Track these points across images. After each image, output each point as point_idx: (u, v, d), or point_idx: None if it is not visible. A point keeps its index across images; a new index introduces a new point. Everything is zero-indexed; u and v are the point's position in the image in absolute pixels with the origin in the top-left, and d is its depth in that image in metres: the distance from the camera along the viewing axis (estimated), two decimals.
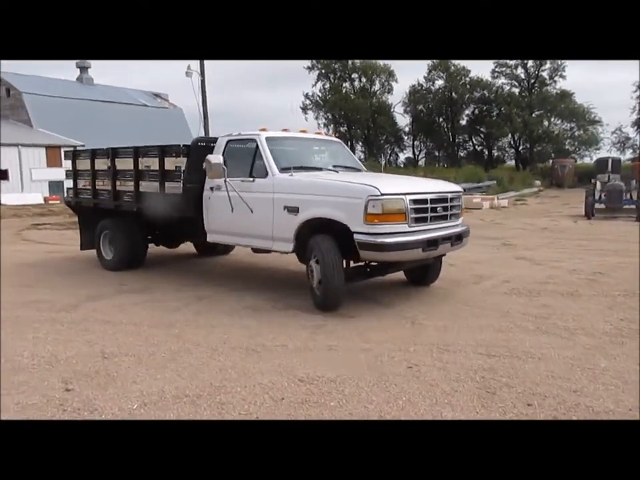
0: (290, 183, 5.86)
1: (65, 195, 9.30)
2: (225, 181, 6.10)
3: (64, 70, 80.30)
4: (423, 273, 6.61)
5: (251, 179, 6.13)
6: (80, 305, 5.91)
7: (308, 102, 54.07)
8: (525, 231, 12.89)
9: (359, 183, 5.45)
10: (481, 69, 66.59)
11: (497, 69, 48.30)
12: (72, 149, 22.56)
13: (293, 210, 5.68)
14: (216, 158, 6.00)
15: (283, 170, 6.02)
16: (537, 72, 47.65)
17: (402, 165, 52.41)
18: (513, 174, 36.64)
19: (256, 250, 6.76)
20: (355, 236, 5.20)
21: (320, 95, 53.58)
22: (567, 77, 46.50)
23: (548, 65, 46.54)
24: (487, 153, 51.62)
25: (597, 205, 16.70)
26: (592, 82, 71.76)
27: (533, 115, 46.85)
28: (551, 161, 42.28)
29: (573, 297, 6.13)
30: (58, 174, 21.82)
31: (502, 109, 47.36)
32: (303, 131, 7.15)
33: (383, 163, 43.27)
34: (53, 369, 4.04)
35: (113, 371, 4.00)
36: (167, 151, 7.13)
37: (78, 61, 34.62)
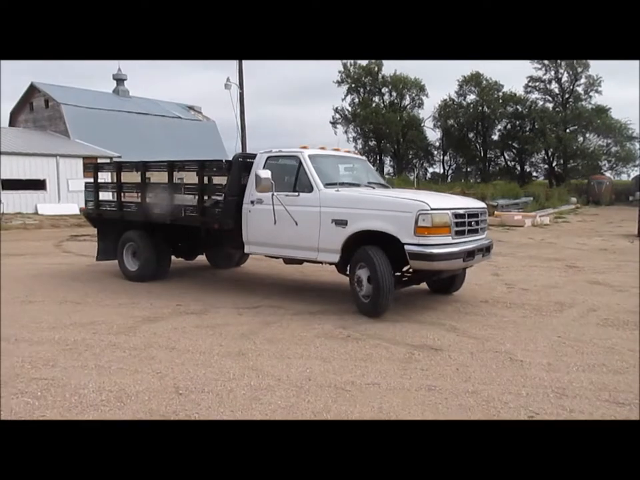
0: (337, 197, 6.20)
1: (85, 206, 9.30)
2: (273, 195, 6.36)
3: (98, 81, 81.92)
4: (449, 282, 7.05)
5: (296, 193, 6.43)
6: (138, 328, 5.50)
7: (337, 116, 53.93)
8: (582, 252, 12.17)
9: (408, 199, 5.85)
10: (513, 83, 65.87)
11: (530, 84, 47.49)
12: (108, 160, 22.63)
13: (341, 223, 6.03)
14: (265, 173, 6.25)
15: (327, 185, 6.35)
16: (571, 87, 46.63)
17: (430, 180, 51.64)
18: (548, 190, 35.68)
19: (289, 261, 6.96)
20: (406, 247, 5.58)
21: (349, 109, 53.42)
22: (603, 92, 45.45)
23: (583, 79, 45.62)
24: (519, 168, 50.59)
25: None
26: (629, 98, 70.37)
27: (567, 130, 45.81)
28: (588, 178, 41.08)
29: None
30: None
31: (535, 124, 46.39)
32: (336, 149, 7.49)
33: (413, 177, 42.68)
34: (125, 407, 3.59)
35: (193, 411, 3.53)
36: (209, 166, 7.32)
37: (115, 72, 34.98)
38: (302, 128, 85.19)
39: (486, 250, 6.47)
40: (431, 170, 56.51)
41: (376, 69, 51.33)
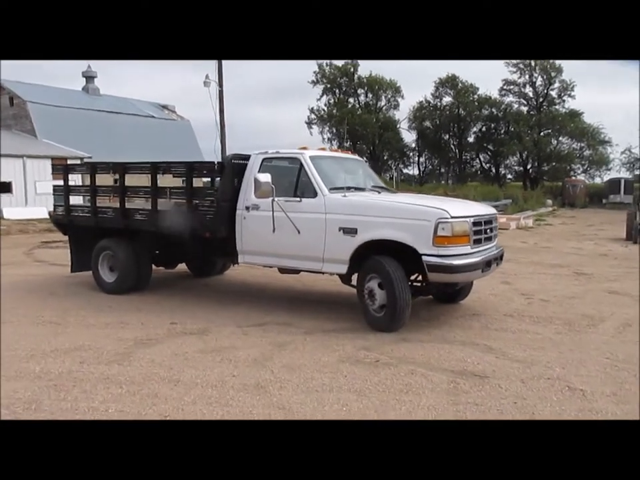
0: (345, 203, 5.70)
1: (53, 211, 8.39)
2: (273, 201, 5.82)
3: (68, 79, 79.35)
4: (457, 291, 6.60)
5: (297, 198, 5.89)
6: (132, 354, 4.76)
7: (313, 116, 53.34)
8: (582, 257, 11.81)
9: (426, 206, 5.44)
10: (488, 86, 66.51)
11: (504, 87, 47.84)
12: (78, 160, 21.50)
13: (350, 231, 5.53)
14: (265, 177, 5.68)
15: (332, 190, 5.85)
16: (545, 91, 47.14)
17: (403, 181, 51.42)
18: (524, 193, 35.85)
19: (284, 271, 6.44)
20: (424, 258, 5.16)
21: (325, 109, 52.90)
22: (576, 97, 46.05)
23: (557, 84, 46.16)
24: (494, 170, 50.90)
25: None
26: (601, 102, 71.89)
27: (541, 133, 46.26)
28: (563, 180, 41.50)
29: None
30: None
31: (510, 127, 46.73)
32: (334, 150, 7.07)
33: (392, 178, 42.42)
34: None
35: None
36: (199, 168, 6.74)
37: (84, 70, 33.55)
38: (277, 128, 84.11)
39: (500, 258, 6.16)
40: (405, 171, 56.42)
41: (352, 69, 50.98)
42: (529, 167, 48.66)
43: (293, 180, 6.06)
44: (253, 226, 6.21)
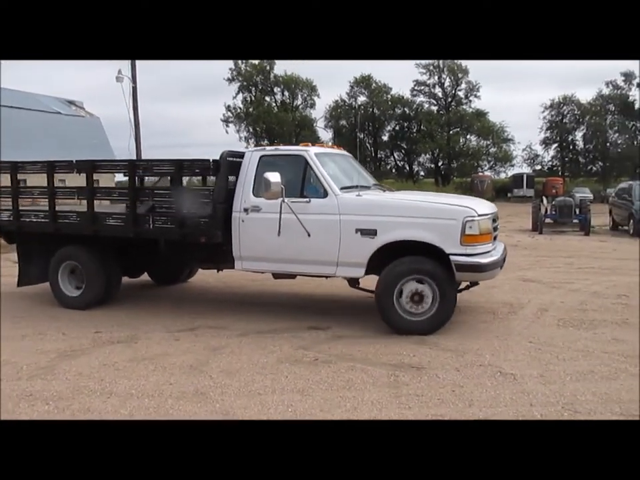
0: (362, 203, 5.45)
1: None
2: (283, 202, 5.41)
3: None
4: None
5: (305, 199, 5.53)
6: (56, 367, 4.44)
7: (229, 114, 52.55)
8: None
9: (451, 204, 5.36)
10: (401, 86, 68.65)
11: (415, 87, 49.77)
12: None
13: (369, 233, 5.29)
14: (274, 176, 5.27)
15: (342, 189, 5.57)
16: (453, 91, 49.52)
17: None
18: (437, 189, 37.44)
19: (278, 276, 6.06)
20: (452, 257, 5.04)
21: (241, 107, 52.30)
22: (482, 97, 48.82)
23: (464, 85, 48.63)
24: (407, 168, 52.71)
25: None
26: (504, 102, 76.51)
27: (451, 132, 48.53)
28: (471, 176, 43.75)
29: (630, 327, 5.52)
30: None
31: (422, 126, 48.62)
32: (329, 147, 6.71)
33: None
34: None
35: None
36: (190, 166, 6.00)
37: None
38: (192, 126, 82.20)
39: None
40: None
41: (267, 67, 50.76)
42: (440, 163, 50.90)
43: (295, 179, 5.69)
44: (253, 229, 5.75)
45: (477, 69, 50.13)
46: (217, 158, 5.78)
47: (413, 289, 5.21)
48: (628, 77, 45.99)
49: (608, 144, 47.37)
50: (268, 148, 6.06)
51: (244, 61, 49.84)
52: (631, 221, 14.98)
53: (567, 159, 50.57)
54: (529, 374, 4.22)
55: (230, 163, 5.83)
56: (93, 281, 6.41)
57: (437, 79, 49.09)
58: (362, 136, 53.01)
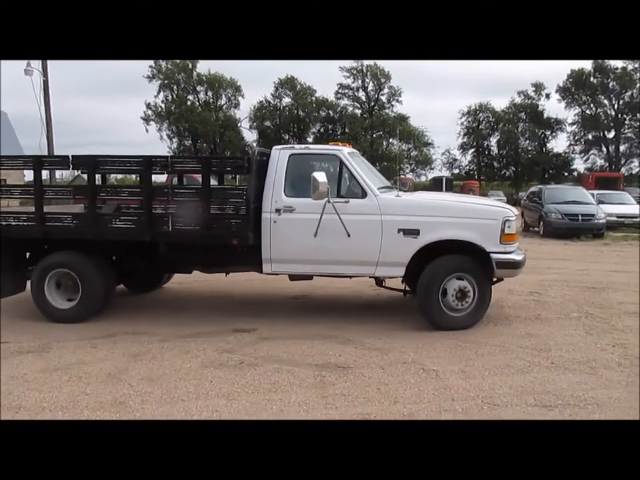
0: (403, 204, 5.60)
1: None
2: (327, 202, 5.34)
3: None
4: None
5: (344, 199, 5.49)
6: None
7: (150, 112, 50.83)
8: None
9: (490, 205, 5.90)
10: (325, 89, 69.33)
11: (340, 90, 50.50)
12: None
13: (412, 232, 5.42)
14: (321, 176, 5.19)
15: (379, 189, 5.68)
16: (376, 95, 50.74)
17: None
18: None
19: (296, 278, 5.97)
20: (493, 256, 5.36)
21: (163, 106, 50.76)
22: (403, 102, 50.33)
23: (386, 89, 49.96)
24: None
25: None
26: (424, 107, 79.31)
27: (374, 135, 49.68)
28: (394, 179, 44.98)
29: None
30: None
31: (346, 128, 49.39)
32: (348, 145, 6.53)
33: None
34: None
35: None
36: (220, 165, 5.92)
37: None
38: (110, 124, 78.65)
39: None
40: None
41: (190, 66, 49.65)
42: None
43: (330, 179, 5.49)
44: (287, 231, 5.56)
45: (399, 75, 51.75)
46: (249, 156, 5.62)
47: (457, 286, 5.44)
48: (538, 87, 49.27)
49: (519, 150, 50.35)
50: (297, 146, 5.90)
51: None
52: (541, 222, 15.91)
53: (482, 163, 53.13)
54: (450, 369, 4.36)
55: (261, 162, 5.61)
56: (90, 292, 5.76)
57: (361, 83, 50.18)
58: (287, 137, 53.00)
